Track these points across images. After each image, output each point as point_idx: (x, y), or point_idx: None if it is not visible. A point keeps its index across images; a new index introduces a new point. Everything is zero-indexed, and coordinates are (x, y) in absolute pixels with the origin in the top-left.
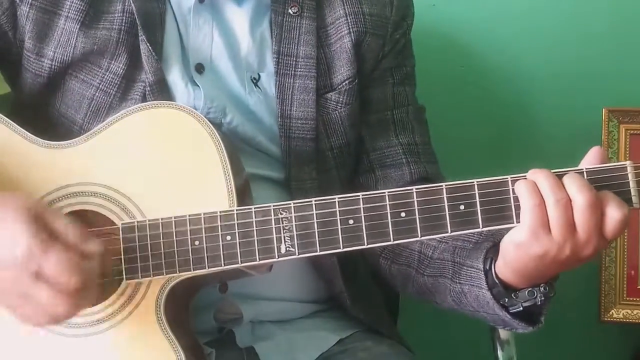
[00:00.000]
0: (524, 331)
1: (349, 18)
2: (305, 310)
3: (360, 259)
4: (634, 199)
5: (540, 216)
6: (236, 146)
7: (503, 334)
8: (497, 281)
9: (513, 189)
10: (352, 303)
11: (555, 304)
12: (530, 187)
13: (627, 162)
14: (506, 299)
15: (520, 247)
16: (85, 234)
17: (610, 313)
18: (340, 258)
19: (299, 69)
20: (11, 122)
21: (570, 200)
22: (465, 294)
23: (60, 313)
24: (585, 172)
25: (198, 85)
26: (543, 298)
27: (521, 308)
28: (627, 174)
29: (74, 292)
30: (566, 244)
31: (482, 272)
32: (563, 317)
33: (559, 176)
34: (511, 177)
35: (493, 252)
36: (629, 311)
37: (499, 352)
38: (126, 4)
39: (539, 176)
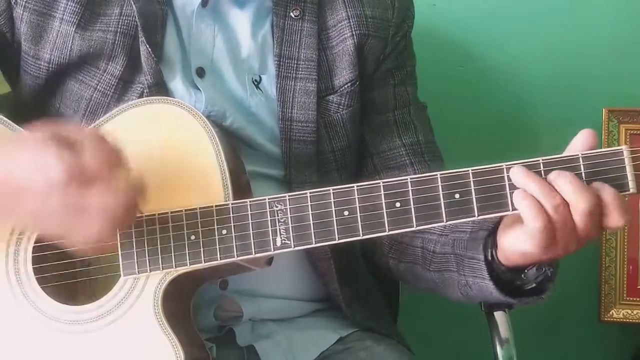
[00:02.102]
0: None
1: (351, 21)
2: (305, 308)
3: (361, 260)
4: (631, 184)
5: (548, 236)
6: (235, 142)
7: (503, 333)
8: (503, 268)
9: (508, 177)
10: (347, 306)
11: (555, 304)
12: (536, 208)
13: (623, 147)
14: (518, 282)
15: (526, 256)
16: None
17: (610, 313)
18: (338, 261)
19: (300, 72)
20: (9, 120)
21: (567, 203)
22: (470, 285)
23: (122, 208)
24: (581, 158)
25: (199, 89)
26: (552, 269)
27: (535, 285)
28: (623, 159)
29: (125, 182)
30: (570, 243)
31: (484, 263)
32: (563, 317)
33: (548, 170)
34: (506, 165)
35: (491, 241)
36: (629, 311)
37: (499, 352)
38: (124, 6)
39: (529, 184)
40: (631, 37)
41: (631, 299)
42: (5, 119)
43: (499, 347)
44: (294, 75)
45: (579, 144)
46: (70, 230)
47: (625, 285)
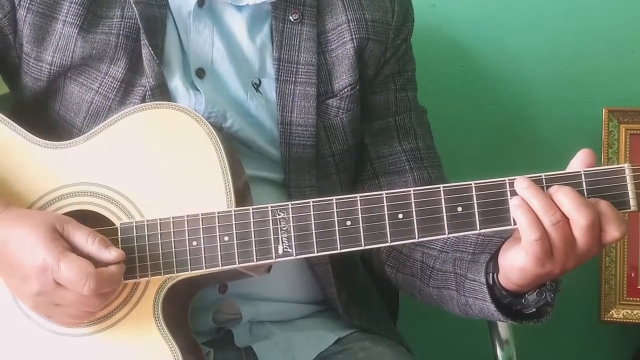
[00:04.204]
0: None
1: (351, 24)
2: (304, 310)
3: (360, 262)
4: (632, 201)
5: (543, 248)
6: (236, 148)
7: (503, 333)
8: (504, 293)
9: (510, 191)
10: (344, 309)
11: (555, 304)
12: (531, 219)
13: (625, 165)
14: (518, 306)
15: (524, 271)
16: (106, 243)
17: (610, 313)
18: (335, 265)
19: (300, 76)
20: (11, 121)
21: (567, 219)
22: (470, 305)
23: (91, 311)
24: (583, 174)
25: (199, 90)
26: (552, 295)
27: (534, 310)
28: (625, 177)
29: (93, 295)
30: (568, 259)
31: (485, 286)
32: (563, 317)
33: (550, 186)
34: (509, 179)
35: (492, 265)
36: (629, 311)
37: (499, 352)
38: (126, 9)
39: (531, 198)
40: (631, 37)
41: (631, 299)
42: (5, 118)
43: (499, 348)
44: (293, 79)
45: (578, 163)
46: (50, 315)
47: (625, 285)
